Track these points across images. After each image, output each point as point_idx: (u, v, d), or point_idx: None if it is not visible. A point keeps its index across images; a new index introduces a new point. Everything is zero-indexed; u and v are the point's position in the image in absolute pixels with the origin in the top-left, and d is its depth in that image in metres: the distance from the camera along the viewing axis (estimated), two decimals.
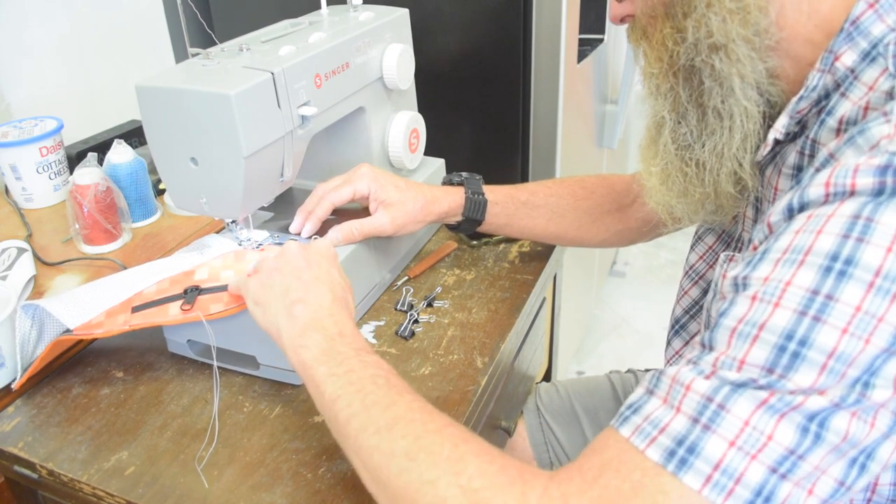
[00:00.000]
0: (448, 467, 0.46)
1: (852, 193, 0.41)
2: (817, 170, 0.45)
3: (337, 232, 0.76)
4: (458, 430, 0.50)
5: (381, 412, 0.51)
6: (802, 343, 0.40)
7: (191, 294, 0.71)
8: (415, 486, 0.46)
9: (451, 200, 0.82)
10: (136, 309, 0.71)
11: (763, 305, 0.42)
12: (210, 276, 0.73)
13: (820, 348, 0.40)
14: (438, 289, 0.86)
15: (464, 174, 0.86)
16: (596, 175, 0.90)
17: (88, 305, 0.71)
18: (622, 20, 0.60)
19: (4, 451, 0.66)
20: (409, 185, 0.80)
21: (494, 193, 0.84)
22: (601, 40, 1.55)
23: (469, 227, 0.85)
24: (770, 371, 0.41)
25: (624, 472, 0.42)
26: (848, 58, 0.47)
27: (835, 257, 0.40)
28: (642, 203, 0.84)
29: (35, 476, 0.65)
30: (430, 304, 0.83)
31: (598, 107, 1.65)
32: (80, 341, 0.77)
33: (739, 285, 0.45)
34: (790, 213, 0.44)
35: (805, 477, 0.41)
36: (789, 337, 0.40)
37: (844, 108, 0.47)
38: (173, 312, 0.70)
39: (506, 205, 0.84)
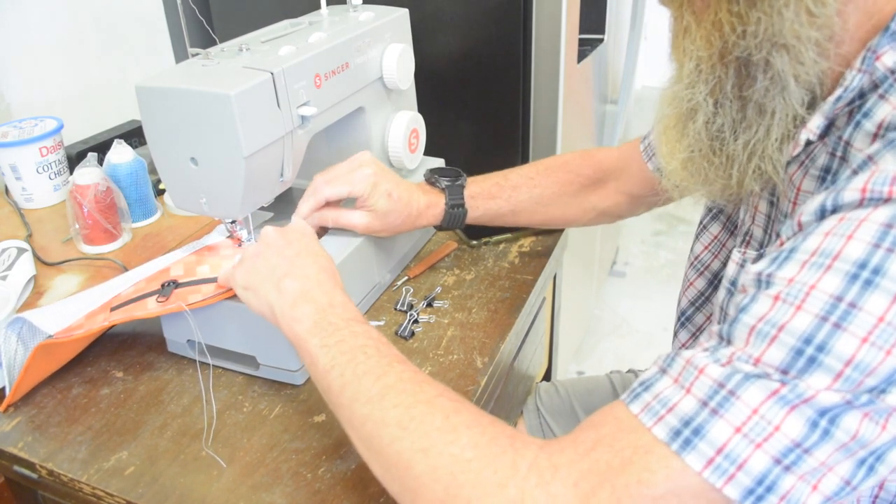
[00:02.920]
0: (439, 437, 0.47)
1: (888, 200, 0.40)
2: (854, 172, 0.44)
3: (315, 216, 0.77)
4: (449, 399, 0.50)
5: (373, 382, 0.52)
6: (820, 348, 0.40)
7: (167, 288, 0.71)
8: (407, 454, 0.47)
9: (432, 216, 0.83)
10: (114, 309, 0.72)
11: (785, 307, 0.42)
12: (186, 272, 0.74)
13: (837, 355, 0.39)
14: (438, 289, 0.86)
15: (445, 181, 0.84)
16: (581, 153, 0.88)
17: (69, 312, 0.72)
18: None
19: (4, 451, 0.66)
20: (401, 195, 0.79)
21: (475, 199, 0.84)
22: (601, 40, 1.55)
23: (449, 228, 0.87)
24: (785, 372, 0.41)
25: (616, 448, 0.43)
26: (889, 58, 0.45)
27: (863, 265, 0.40)
28: (628, 176, 0.84)
29: (35, 476, 0.65)
30: (429, 304, 0.83)
31: (598, 107, 1.65)
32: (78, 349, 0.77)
33: (763, 282, 0.44)
34: (822, 214, 0.44)
35: (810, 472, 0.40)
36: (808, 341, 0.40)
37: (884, 111, 0.45)
38: (151, 307, 0.70)
39: (486, 208, 0.84)
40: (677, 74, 0.55)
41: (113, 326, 0.80)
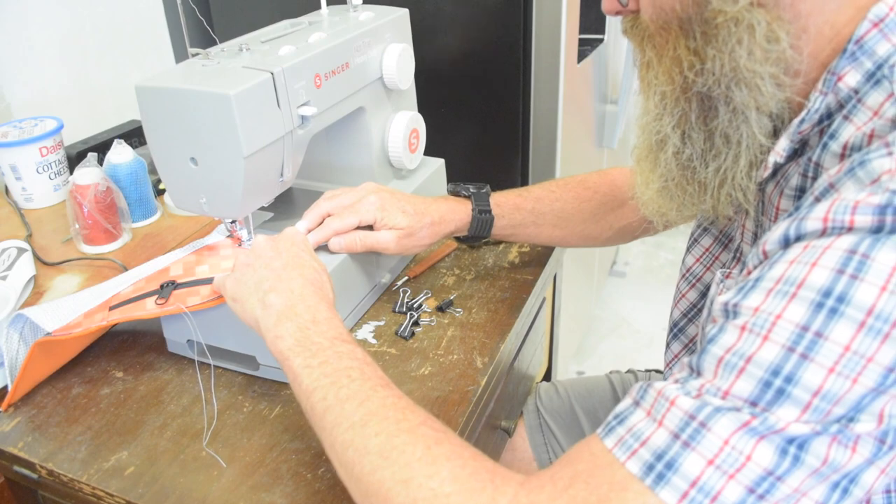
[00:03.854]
0: (421, 469, 0.47)
1: (850, 229, 0.40)
2: (817, 199, 0.44)
3: (340, 240, 0.76)
4: (432, 429, 0.50)
5: (356, 407, 0.51)
6: (788, 380, 0.40)
7: (166, 289, 0.71)
8: (388, 484, 0.47)
9: (458, 220, 0.82)
10: (113, 308, 0.71)
11: (752, 337, 0.42)
12: (185, 272, 0.74)
13: (805, 386, 0.40)
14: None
15: (471, 188, 0.84)
16: (597, 172, 0.89)
17: (68, 310, 0.72)
18: (618, 13, 0.56)
19: (4, 451, 0.66)
20: (416, 208, 0.78)
21: (501, 207, 0.83)
22: (601, 40, 1.55)
23: (474, 241, 0.85)
24: (754, 404, 0.41)
25: (593, 485, 0.43)
26: (851, 78, 0.46)
27: (827, 293, 0.40)
28: None
29: (35, 476, 0.65)
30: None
31: (598, 107, 1.65)
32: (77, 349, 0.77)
33: (730, 312, 0.44)
34: (786, 242, 0.44)
35: (784, 499, 0.40)
36: (775, 373, 0.40)
37: (848, 132, 0.45)
38: (150, 307, 0.70)
39: (512, 217, 0.84)
40: (644, 106, 0.56)
41: (112, 326, 0.80)
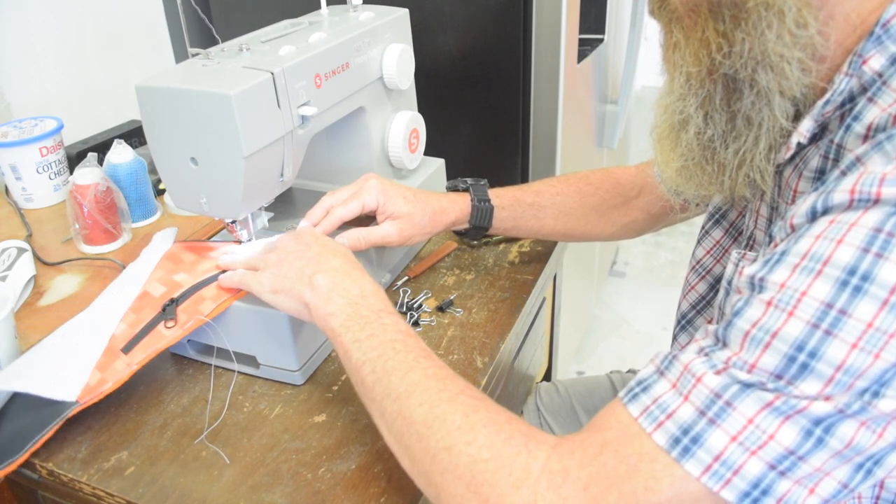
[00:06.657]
0: (460, 437, 0.49)
1: (877, 202, 0.41)
2: (843, 173, 0.45)
3: (343, 238, 0.76)
4: (470, 397, 0.52)
5: (400, 379, 0.54)
6: (812, 355, 0.41)
7: (170, 309, 0.71)
8: (432, 452, 0.50)
9: (459, 210, 0.82)
10: (126, 349, 0.69)
11: (777, 313, 0.43)
12: (168, 288, 0.73)
13: (829, 361, 0.41)
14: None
15: (469, 180, 0.85)
16: (600, 170, 0.89)
17: (72, 371, 0.67)
18: None
19: None
20: (416, 196, 0.79)
21: (500, 198, 0.84)
22: (601, 40, 1.55)
23: (476, 234, 0.86)
24: (779, 378, 0.42)
25: (622, 454, 0.45)
26: (876, 62, 0.46)
27: (852, 271, 0.40)
28: (647, 194, 0.85)
29: (35, 476, 0.65)
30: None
31: (598, 107, 1.65)
32: None
33: (756, 286, 0.45)
34: (813, 216, 0.44)
35: (806, 476, 0.42)
36: (800, 348, 0.41)
37: (873, 114, 0.46)
38: (169, 333, 0.69)
39: (512, 209, 0.84)
40: (668, 86, 0.57)
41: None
